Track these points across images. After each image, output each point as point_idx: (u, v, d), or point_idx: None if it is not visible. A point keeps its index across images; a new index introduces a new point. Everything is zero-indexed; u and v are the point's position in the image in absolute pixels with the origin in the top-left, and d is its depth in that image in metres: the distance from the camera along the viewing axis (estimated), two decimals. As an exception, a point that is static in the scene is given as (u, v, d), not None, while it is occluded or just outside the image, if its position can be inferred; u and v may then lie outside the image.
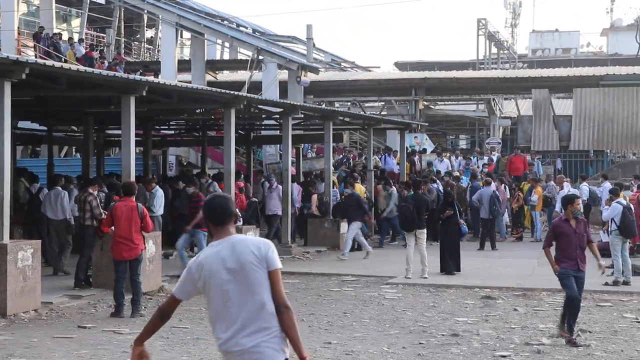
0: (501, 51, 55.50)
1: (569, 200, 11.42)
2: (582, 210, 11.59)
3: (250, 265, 4.97)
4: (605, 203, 19.38)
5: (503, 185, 25.75)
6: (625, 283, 16.06)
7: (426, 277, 17.12)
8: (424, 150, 32.73)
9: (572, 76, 36.95)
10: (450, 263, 17.83)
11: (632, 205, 20.93)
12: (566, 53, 65.53)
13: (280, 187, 22.62)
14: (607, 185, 23.26)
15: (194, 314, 12.81)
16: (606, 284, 16.04)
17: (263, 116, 24.83)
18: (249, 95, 21.41)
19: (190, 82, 28.03)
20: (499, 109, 41.35)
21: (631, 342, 11.10)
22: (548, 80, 36.58)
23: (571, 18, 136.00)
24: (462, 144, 49.61)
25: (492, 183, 24.73)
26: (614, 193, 17.20)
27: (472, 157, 32.47)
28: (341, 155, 33.25)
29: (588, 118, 34.08)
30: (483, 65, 51.10)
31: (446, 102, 44.11)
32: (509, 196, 26.30)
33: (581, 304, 11.25)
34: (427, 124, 36.96)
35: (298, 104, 23.69)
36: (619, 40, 63.48)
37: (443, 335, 11.55)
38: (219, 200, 5.14)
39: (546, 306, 14.08)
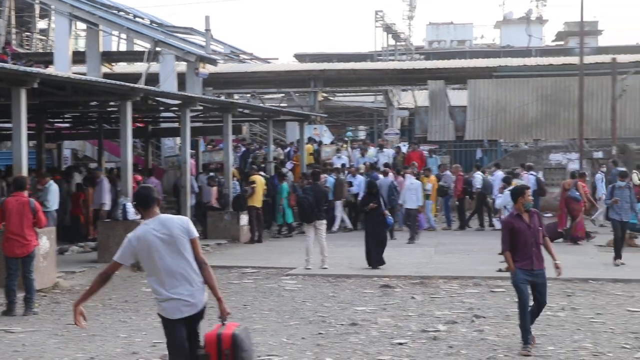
0: (398, 43, 56.24)
1: (518, 193, 10.30)
2: (532, 201, 10.51)
3: (178, 236, 6.70)
4: (498, 191, 19.86)
5: (401, 175, 26.07)
6: (518, 269, 16.45)
7: (326, 268, 17.21)
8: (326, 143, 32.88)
9: (466, 67, 37.79)
10: (376, 256, 17.36)
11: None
12: (461, 45, 66.91)
13: (104, 179, 21.51)
14: (500, 173, 23.89)
15: (90, 310, 12.55)
16: (499, 270, 16.47)
17: (161, 108, 24.52)
18: (146, 87, 21.11)
19: (85, 74, 27.44)
20: (397, 100, 41.90)
21: (523, 326, 11.39)
22: (443, 71, 37.31)
23: (466, 11, 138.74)
24: (362, 134, 50.08)
25: (390, 173, 25.07)
26: (506, 181, 17.64)
27: (368, 149, 32.68)
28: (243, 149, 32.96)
29: (482, 108, 34.90)
30: (381, 57, 51.71)
31: (345, 94, 44.46)
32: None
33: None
34: (326, 116, 37.17)
35: (196, 96, 23.52)
36: (511, 33, 65.19)
37: (342, 324, 11.64)
38: (144, 189, 6.92)
39: (442, 293, 14.35)
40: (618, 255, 17.56)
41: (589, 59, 35.61)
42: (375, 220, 17.60)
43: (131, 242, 6.73)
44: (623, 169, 23.68)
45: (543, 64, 37.97)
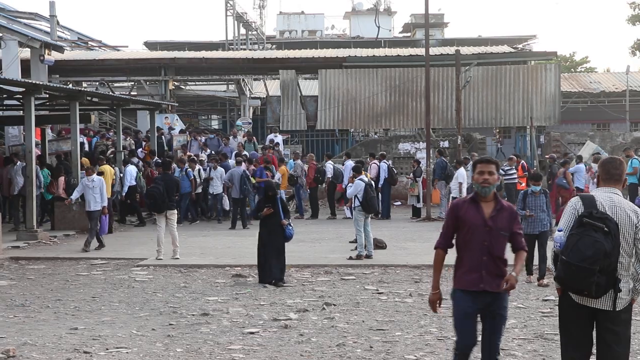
0: (250, 32, 56.23)
1: (473, 165, 7.05)
2: (488, 184, 6.66)
3: None
4: (348, 180, 20.17)
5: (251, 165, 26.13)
6: (368, 257, 16.87)
7: (178, 258, 17.08)
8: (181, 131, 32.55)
9: (317, 57, 38.26)
10: (274, 270, 14.47)
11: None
12: (312, 35, 67.57)
13: None
14: (350, 163, 24.30)
15: None
16: (350, 258, 16.83)
17: (4, 96, 23.64)
18: (-14, 74, 20.28)
19: None
20: (249, 90, 41.95)
21: (372, 313, 11.68)
22: (295, 61, 37.62)
23: (316, 1, 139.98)
24: (215, 124, 49.84)
25: (243, 163, 25.08)
26: (357, 170, 17.89)
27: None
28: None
29: (333, 98, 35.42)
30: (232, 46, 51.56)
31: (197, 83, 44.16)
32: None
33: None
34: (177, 105, 36.80)
35: (41, 83, 22.76)
36: (361, 23, 66.32)
37: (193, 315, 11.59)
38: None
39: (294, 282, 14.50)
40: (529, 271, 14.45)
41: (435, 51, 36.77)
42: (272, 229, 14.74)
43: None
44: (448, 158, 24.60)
45: (391, 55, 38.87)
